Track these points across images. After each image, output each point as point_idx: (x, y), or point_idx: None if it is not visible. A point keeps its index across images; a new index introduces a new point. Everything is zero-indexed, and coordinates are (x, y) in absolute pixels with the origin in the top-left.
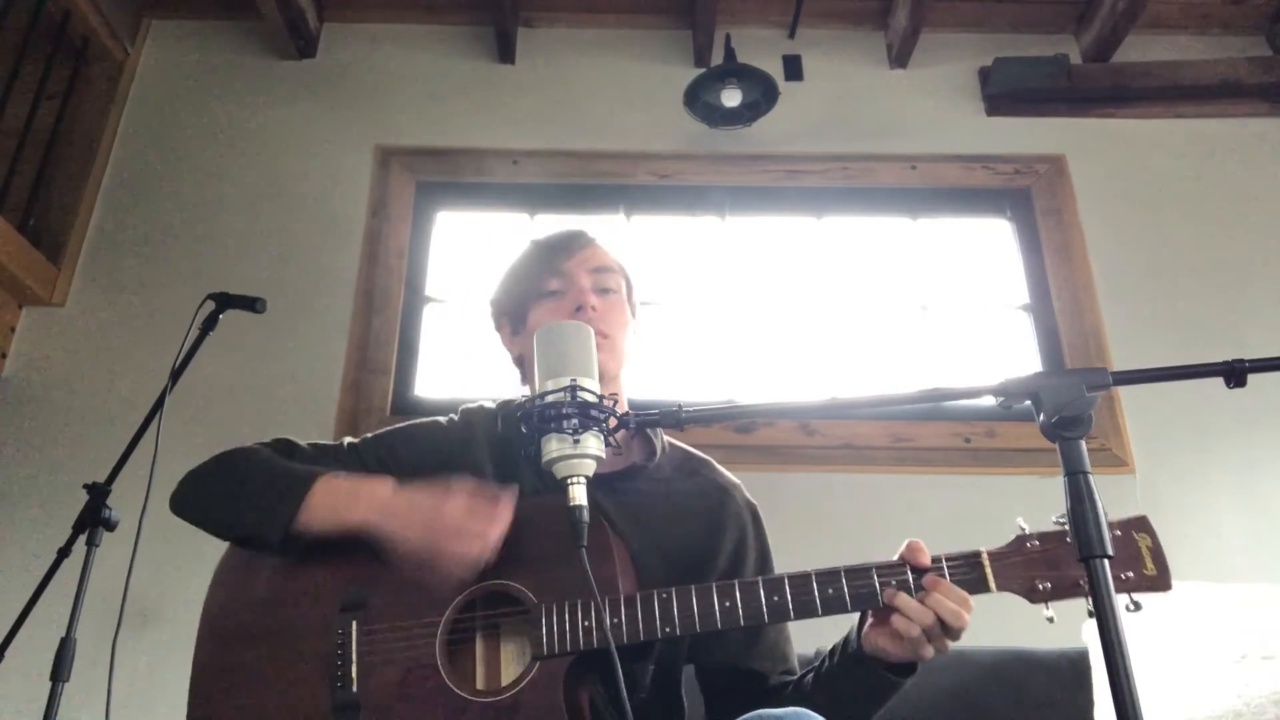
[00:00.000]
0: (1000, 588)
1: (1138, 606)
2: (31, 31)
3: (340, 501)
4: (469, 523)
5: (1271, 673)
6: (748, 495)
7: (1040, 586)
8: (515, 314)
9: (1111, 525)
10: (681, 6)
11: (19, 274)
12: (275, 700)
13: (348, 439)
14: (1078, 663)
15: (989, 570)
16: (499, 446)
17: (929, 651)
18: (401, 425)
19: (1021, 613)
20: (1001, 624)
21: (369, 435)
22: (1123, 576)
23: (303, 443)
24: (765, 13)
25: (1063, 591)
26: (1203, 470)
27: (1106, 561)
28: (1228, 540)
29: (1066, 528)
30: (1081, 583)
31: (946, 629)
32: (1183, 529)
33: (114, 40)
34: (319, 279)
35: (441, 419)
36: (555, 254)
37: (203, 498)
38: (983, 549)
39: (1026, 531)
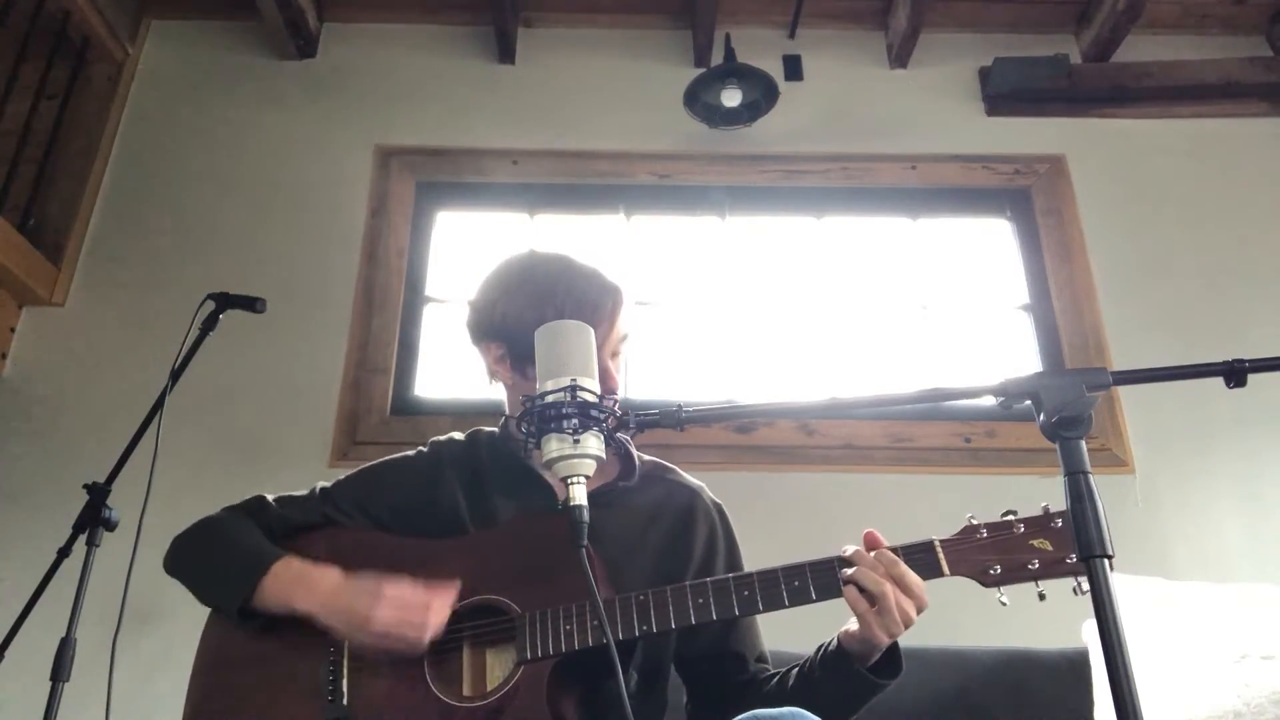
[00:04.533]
0: (953, 571)
1: (1042, 597)
2: (31, 31)
3: (289, 589)
4: (402, 616)
5: (1271, 673)
6: (712, 495)
7: (992, 570)
8: (521, 354)
9: (1014, 523)
10: (681, 6)
11: (19, 274)
12: (269, 718)
13: (320, 484)
14: (1078, 663)
15: (942, 556)
16: (469, 477)
17: (896, 616)
18: (371, 465)
19: (1022, 613)
20: (1001, 624)
21: (341, 479)
22: (1029, 567)
23: (273, 498)
24: (765, 13)
25: (1011, 575)
26: (1203, 470)
27: (1108, 561)
28: (1228, 540)
29: (1013, 519)
30: (1029, 566)
31: (907, 589)
32: (1183, 529)
33: (114, 40)
34: (319, 279)
35: (410, 453)
36: (592, 318)
37: (181, 566)
38: (935, 538)
39: (975, 523)
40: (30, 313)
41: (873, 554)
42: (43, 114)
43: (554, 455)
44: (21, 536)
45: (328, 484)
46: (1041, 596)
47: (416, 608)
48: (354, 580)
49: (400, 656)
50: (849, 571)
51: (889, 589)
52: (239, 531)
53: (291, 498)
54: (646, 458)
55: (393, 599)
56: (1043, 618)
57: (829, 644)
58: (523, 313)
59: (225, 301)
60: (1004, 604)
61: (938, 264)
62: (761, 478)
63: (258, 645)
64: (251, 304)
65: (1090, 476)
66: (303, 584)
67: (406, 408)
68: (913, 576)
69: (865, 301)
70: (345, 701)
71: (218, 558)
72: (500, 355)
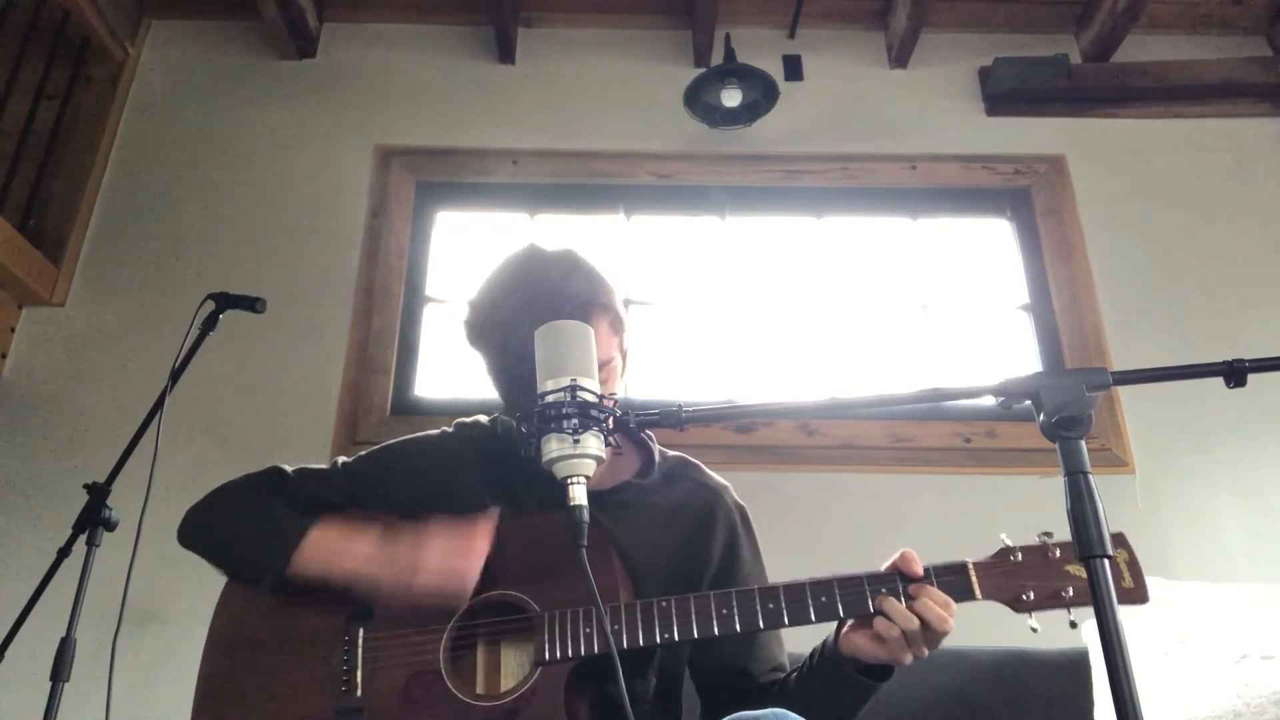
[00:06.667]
0: (985, 596)
1: (1074, 625)
2: (31, 31)
3: (328, 555)
4: (447, 562)
5: (1271, 673)
6: (736, 496)
7: (1024, 596)
8: (503, 375)
9: (1049, 546)
10: (681, 6)
11: (19, 274)
12: (279, 705)
13: (341, 459)
14: (1078, 663)
15: (974, 579)
16: (492, 462)
17: (908, 656)
18: (393, 443)
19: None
20: (1001, 624)
21: (361, 455)
22: (1063, 594)
23: (292, 470)
24: (765, 13)
25: (1045, 601)
26: (1203, 470)
27: (1107, 561)
28: (1228, 540)
29: (1049, 542)
30: (1063, 594)
31: (929, 632)
32: (1183, 529)
33: (114, 40)
34: (319, 279)
35: (434, 432)
36: None
37: (203, 536)
38: (968, 560)
39: (1010, 545)
40: (30, 313)
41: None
42: (43, 114)
43: (554, 455)
44: (21, 536)
45: (349, 459)
46: (1073, 624)
47: (460, 554)
48: (391, 539)
49: (440, 607)
50: (876, 603)
51: (917, 625)
52: (264, 501)
53: (313, 472)
54: (671, 453)
55: (439, 533)
56: (1043, 618)
57: (824, 648)
58: (505, 341)
59: (225, 301)
60: (1035, 630)
61: (938, 264)
62: (761, 478)
63: (271, 628)
64: (251, 304)
65: (1090, 476)
66: (343, 549)
67: (406, 408)
68: (937, 613)
69: (865, 301)
70: (359, 693)
71: (246, 527)
72: (489, 372)
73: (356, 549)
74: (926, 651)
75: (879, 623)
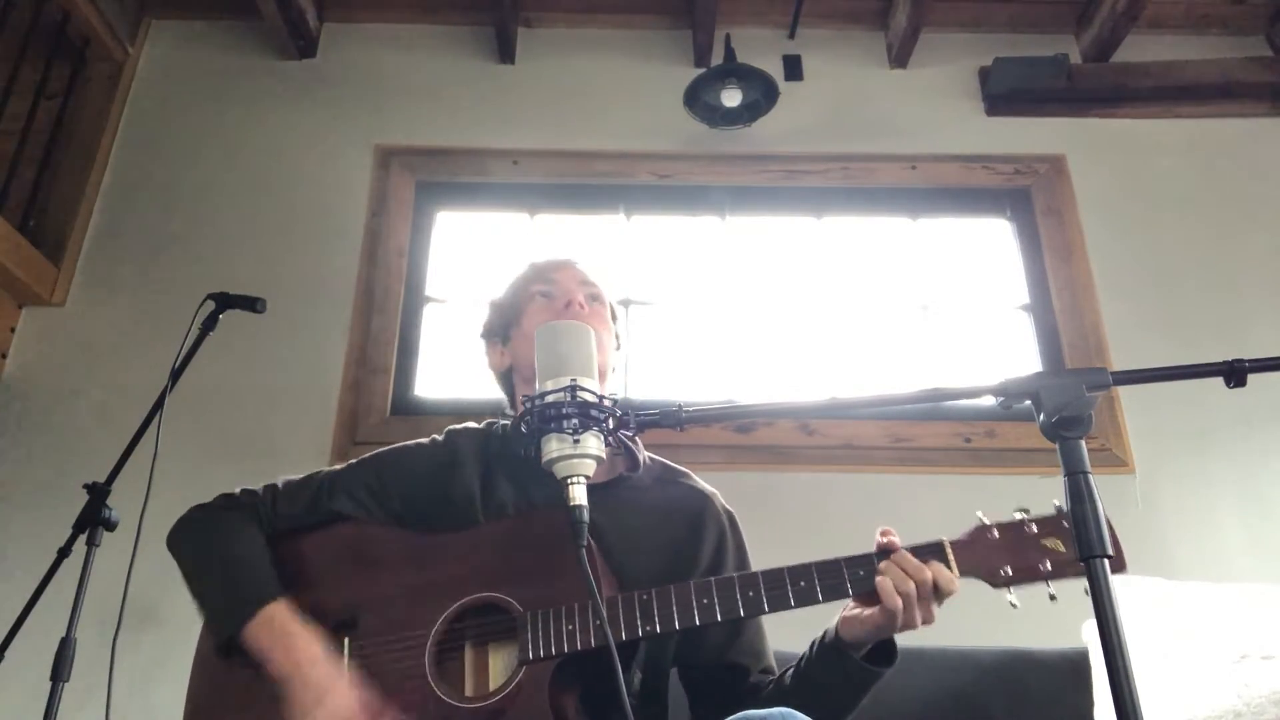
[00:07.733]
0: (963, 573)
1: (1053, 598)
2: (31, 31)
3: (270, 642)
4: None
5: (1271, 673)
6: (724, 502)
7: (1002, 572)
8: (506, 324)
9: (1026, 522)
10: (681, 6)
11: (19, 274)
12: (266, 717)
13: (331, 471)
14: (1078, 663)
15: (952, 557)
16: (484, 467)
17: (916, 616)
18: (386, 450)
19: (1022, 612)
20: (1001, 624)
21: (354, 462)
22: (1040, 568)
23: (281, 486)
24: (765, 13)
25: (1023, 576)
26: (1203, 470)
27: (1107, 561)
28: (1228, 540)
29: (1026, 518)
30: (1040, 567)
31: (939, 590)
32: (1183, 529)
33: (114, 40)
34: (319, 279)
35: (425, 440)
36: (544, 269)
37: (180, 558)
38: (944, 538)
39: (986, 523)
40: (30, 313)
41: (896, 558)
42: (43, 114)
43: (554, 455)
44: (21, 536)
45: (339, 469)
46: (1053, 598)
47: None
48: (317, 669)
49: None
50: (881, 565)
51: (929, 576)
52: (242, 549)
53: (299, 493)
54: (660, 459)
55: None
56: (1043, 618)
57: (823, 638)
58: (501, 297)
59: (225, 301)
60: (1014, 606)
61: (938, 264)
62: (761, 478)
63: None
64: (251, 304)
65: (1090, 476)
66: (282, 643)
67: (406, 408)
68: (932, 572)
69: (865, 301)
70: None
71: (213, 580)
72: (498, 348)
73: (290, 653)
74: (934, 613)
75: (886, 584)
